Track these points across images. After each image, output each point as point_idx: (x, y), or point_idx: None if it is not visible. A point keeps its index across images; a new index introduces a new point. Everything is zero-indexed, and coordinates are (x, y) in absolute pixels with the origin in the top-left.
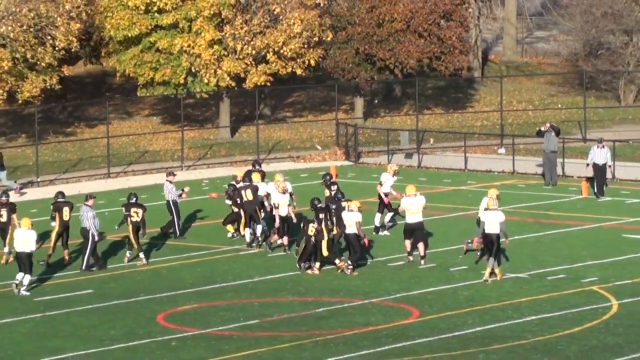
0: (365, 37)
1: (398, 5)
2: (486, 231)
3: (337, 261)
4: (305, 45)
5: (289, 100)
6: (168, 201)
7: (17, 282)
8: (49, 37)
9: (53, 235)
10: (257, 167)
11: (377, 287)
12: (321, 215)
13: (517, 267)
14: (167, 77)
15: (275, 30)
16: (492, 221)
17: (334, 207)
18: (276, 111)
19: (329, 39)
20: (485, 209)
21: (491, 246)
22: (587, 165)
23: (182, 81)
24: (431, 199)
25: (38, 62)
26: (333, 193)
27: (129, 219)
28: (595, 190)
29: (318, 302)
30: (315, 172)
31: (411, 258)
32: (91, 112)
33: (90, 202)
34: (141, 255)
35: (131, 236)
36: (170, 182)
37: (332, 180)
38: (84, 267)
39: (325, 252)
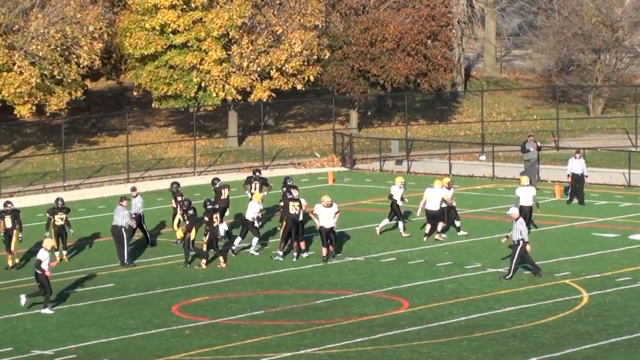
0: (360, 55)
1: (389, 27)
2: (521, 204)
3: (203, 261)
4: (305, 63)
5: (291, 113)
6: (139, 214)
7: (234, 248)
8: (74, 56)
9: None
10: (258, 174)
11: (370, 281)
12: (206, 218)
13: (497, 263)
14: (180, 91)
15: (278, 49)
16: (528, 195)
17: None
18: (279, 122)
19: (326, 57)
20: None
21: (524, 217)
22: (568, 175)
23: (193, 95)
24: (418, 201)
25: (64, 78)
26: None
27: (52, 223)
28: (577, 200)
29: (317, 294)
30: (315, 177)
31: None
32: (112, 123)
33: (124, 203)
34: (64, 252)
35: (54, 237)
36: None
37: (291, 184)
38: (127, 261)
39: (204, 247)
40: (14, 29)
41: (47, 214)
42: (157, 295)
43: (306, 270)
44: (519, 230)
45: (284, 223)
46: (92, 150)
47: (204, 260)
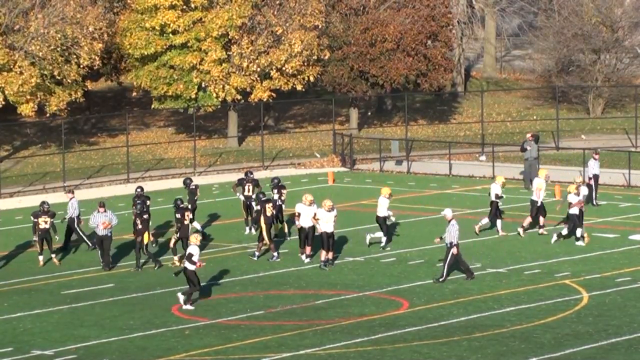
0: (360, 55)
1: (389, 27)
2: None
3: (175, 258)
4: (305, 63)
5: (291, 113)
6: (72, 218)
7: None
8: (74, 56)
9: None
10: (250, 175)
11: (370, 281)
12: (178, 215)
13: (496, 263)
14: (180, 92)
15: (278, 49)
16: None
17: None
18: (279, 122)
19: (326, 57)
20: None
21: (581, 215)
22: (590, 178)
23: (193, 96)
24: (419, 202)
25: (64, 79)
26: (277, 196)
27: (37, 226)
28: (594, 201)
29: (317, 294)
30: (315, 177)
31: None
32: (112, 123)
33: (102, 210)
34: (53, 255)
35: (38, 241)
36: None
37: (280, 184)
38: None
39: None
40: (14, 29)
41: (32, 217)
42: (157, 295)
43: (306, 271)
44: (451, 233)
45: (263, 225)
46: (92, 151)
47: (176, 258)
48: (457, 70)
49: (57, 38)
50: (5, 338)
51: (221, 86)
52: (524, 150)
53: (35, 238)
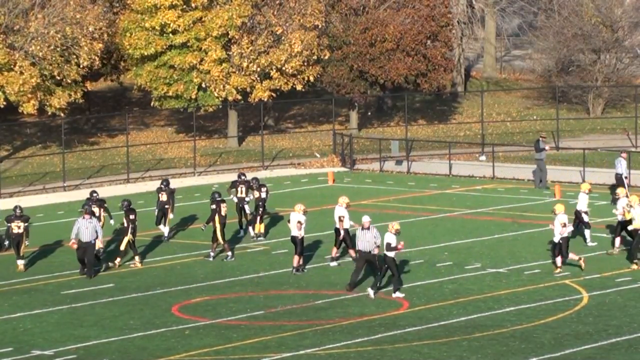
0: (359, 55)
1: (389, 27)
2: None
3: (117, 259)
4: (305, 63)
5: (291, 113)
6: None
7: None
8: (74, 56)
9: None
10: (243, 177)
11: (370, 282)
12: (131, 216)
13: (497, 263)
14: (180, 92)
15: (278, 49)
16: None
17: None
18: (279, 122)
19: (326, 57)
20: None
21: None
22: (626, 177)
23: (193, 96)
24: (419, 202)
25: (64, 79)
26: (263, 195)
27: (10, 231)
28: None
29: (317, 294)
30: (315, 177)
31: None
32: (112, 123)
33: (87, 216)
34: (21, 262)
35: (13, 245)
36: None
37: (260, 183)
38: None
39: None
40: (14, 29)
41: (5, 221)
42: (157, 295)
43: (306, 271)
44: (377, 239)
45: (217, 225)
46: (92, 151)
47: (118, 259)
48: (457, 70)
49: (57, 38)
50: (5, 338)
51: (221, 86)
52: (540, 150)
53: (7, 243)
